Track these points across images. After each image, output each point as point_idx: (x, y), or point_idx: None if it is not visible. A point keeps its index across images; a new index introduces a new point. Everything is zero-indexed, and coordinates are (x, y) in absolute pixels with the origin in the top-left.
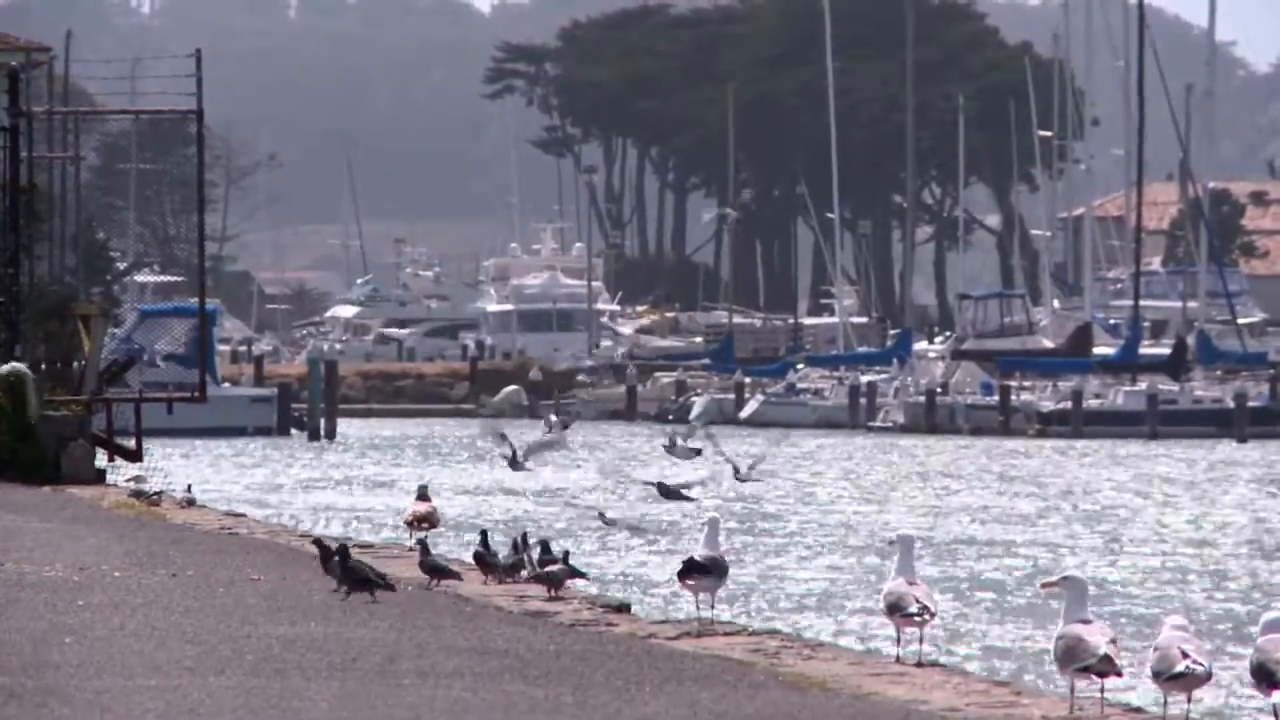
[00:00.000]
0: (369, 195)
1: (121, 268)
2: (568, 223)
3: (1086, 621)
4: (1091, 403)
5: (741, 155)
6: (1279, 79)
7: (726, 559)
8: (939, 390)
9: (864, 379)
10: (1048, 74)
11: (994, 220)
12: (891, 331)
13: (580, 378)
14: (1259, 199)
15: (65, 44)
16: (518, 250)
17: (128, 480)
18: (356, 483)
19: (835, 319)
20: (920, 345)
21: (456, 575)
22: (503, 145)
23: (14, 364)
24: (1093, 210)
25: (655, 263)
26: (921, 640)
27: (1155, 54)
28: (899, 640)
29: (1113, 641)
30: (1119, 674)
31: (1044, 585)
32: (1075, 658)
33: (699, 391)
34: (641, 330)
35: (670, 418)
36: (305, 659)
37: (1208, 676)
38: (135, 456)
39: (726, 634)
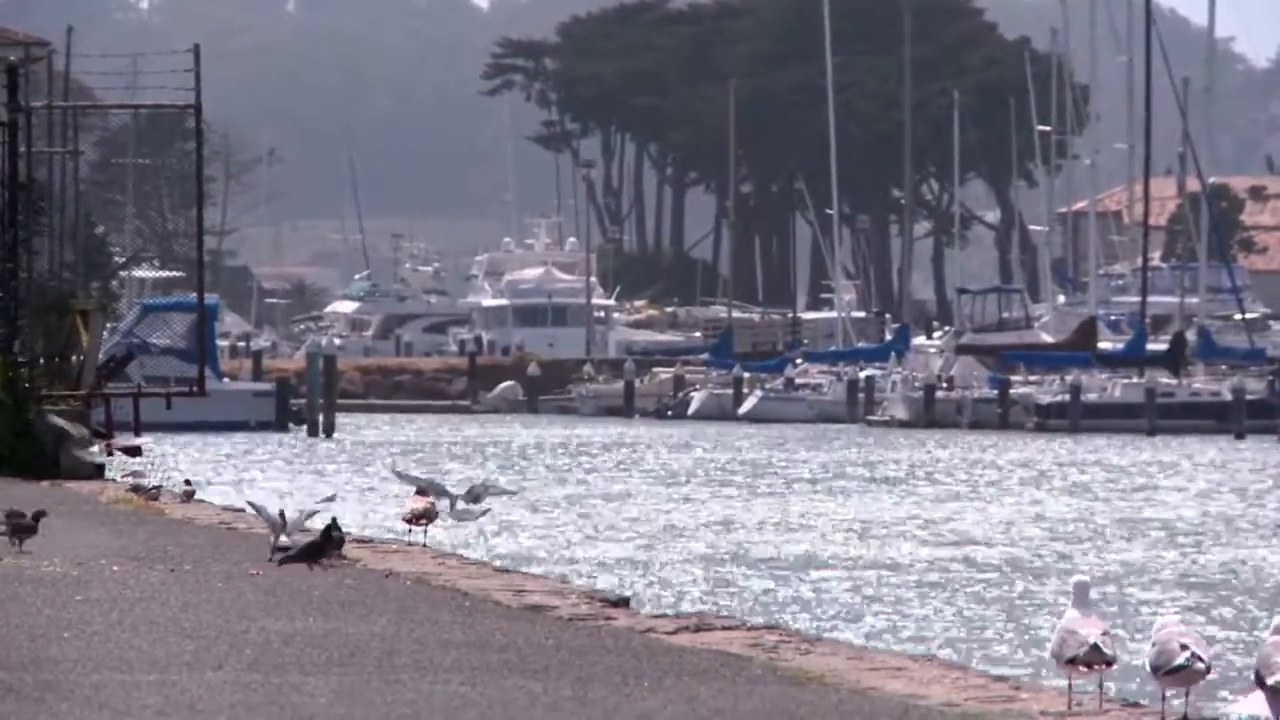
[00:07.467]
0: (367, 191)
1: (120, 263)
2: (562, 217)
3: (1085, 616)
4: (1090, 397)
5: (740, 151)
6: (1278, 74)
7: None
8: (944, 385)
9: (862, 374)
10: (1046, 69)
11: (993, 216)
12: (891, 326)
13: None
14: (1258, 194)
15: (65, 39)
16: (511, 245)
17: (126, 475)
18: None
19: (834, 314)
20: (918, 340)
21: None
22: (501, 141)
23: None
24: (1094, 205)
25: (654, 258)
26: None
27: (1163, 49)
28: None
29: (1105, 634)
30: (1107, 664)
31: None
32: (1066, 650)
33: (697, 387)
34: (637, 325)
35: (669, 413)
36: (303, 654)
37: (1207, 671)
38: (134, 451)
39: (725, 628)
